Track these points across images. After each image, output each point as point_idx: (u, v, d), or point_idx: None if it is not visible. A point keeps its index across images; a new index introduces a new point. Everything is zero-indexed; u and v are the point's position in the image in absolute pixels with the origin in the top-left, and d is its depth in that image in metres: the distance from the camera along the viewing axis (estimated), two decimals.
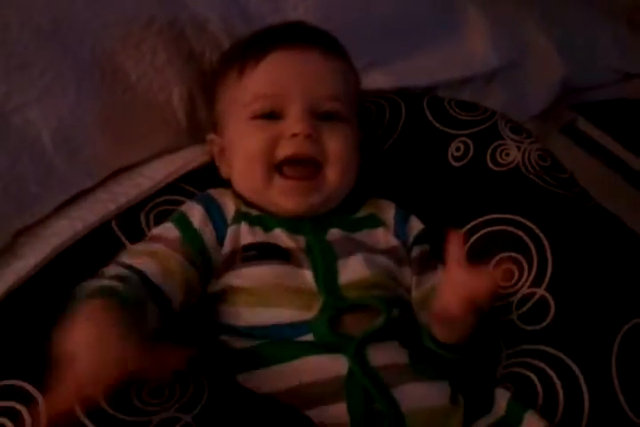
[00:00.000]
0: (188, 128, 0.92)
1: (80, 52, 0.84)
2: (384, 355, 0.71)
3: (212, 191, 0.84)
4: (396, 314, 0.74)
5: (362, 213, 0.84)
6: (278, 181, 0.79)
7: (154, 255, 0.72)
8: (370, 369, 0.68)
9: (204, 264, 0.75)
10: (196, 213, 0.78)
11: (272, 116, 0.80)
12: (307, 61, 0.82)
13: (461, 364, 0.75)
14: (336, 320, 0.71)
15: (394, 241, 0.82)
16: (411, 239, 0.83)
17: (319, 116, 0.81)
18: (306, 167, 0.79)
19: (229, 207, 0.80)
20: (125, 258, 0.72)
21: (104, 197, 0.83)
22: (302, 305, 0.72)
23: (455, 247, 0.69)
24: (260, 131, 0.80)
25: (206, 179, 0.88)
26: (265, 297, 0.73)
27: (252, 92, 0.81)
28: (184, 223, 0.77)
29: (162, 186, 0.85)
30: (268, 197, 0.80)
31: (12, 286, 0.72)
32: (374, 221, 0.83)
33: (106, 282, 0.66)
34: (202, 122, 0.92)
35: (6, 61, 0.79)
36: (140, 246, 0.76)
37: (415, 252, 0.82)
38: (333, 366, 0.68)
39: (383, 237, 0.82)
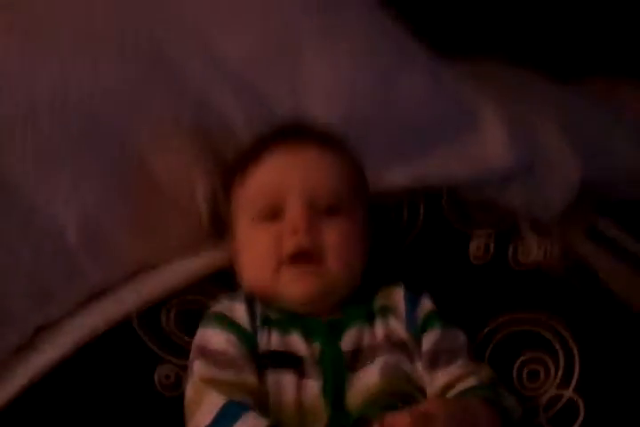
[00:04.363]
0: (211, 227, 0.93)
1: (108, 151, 0.87)
2: None
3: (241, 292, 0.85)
4: None
5: (375, 305, 0.84)
6: (285, 271, 0.80)
7: (241, 388, 0.72)
8: None
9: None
10: (238, 312, 0.79)
11: (274, 214, 0.82)
12: (304, 157, 0.84)
13: None
14: None
15: (404, 334, 0.80)
16: (420, 324, 0.81)
17: (320, 211, 0.82)
18: (308, 262, 0.81)
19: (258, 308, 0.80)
20: (217, 392, 0.71)
21: (126, 295, 0.83)
22: (304, 424, 0.72)
23: None
24: (264, 232, 0.82)
25: (228, 280, 0.88)
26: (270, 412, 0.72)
27: (252, 190, 0.84)
28: (234, 327, 0.77)
29: (186, 285, 0.85)
30: (277, 289, 0.81)
31: (31, 381, 0.72)
32: (386, 312, 0.82)
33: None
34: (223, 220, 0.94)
35: (37, 158, 0.82)
36: (212, 374, 0.73)
37: (426, 344, 0.79)
38: None
39: (394, 328, 0.81)
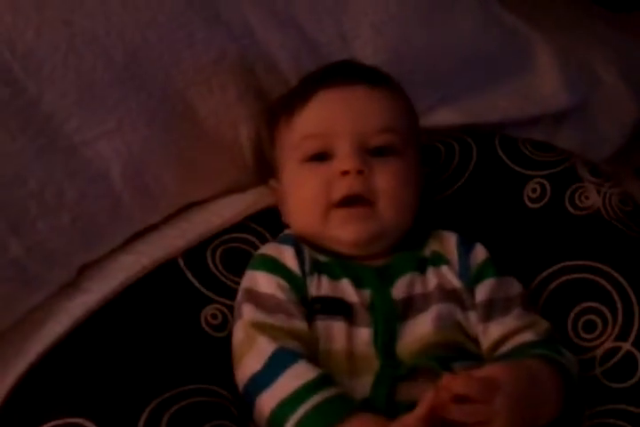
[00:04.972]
0: (255, 166, 0.91)
1: (151, 87, 0.84)
2: None
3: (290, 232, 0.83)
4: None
5: (427, 251, 0.82)
6: (335, 214, 0.78)
7: (291, 334, 0.70)
8: None
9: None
10: (287, 256, 0.77)
11: (322, 157, 0.80)
12: (352, 97, 0.81)
13: None
14: (395, 388, 0.69)
15: (457, 282, 0.78)
16: (474, 273, 0.79)
17: (370, 152, 0.79)
18: (359, 205, 0.78)
19: (307, 252, 0.79)
20: (268, 338, 0.69)
21: (172, 233, 0.82)
22: (354, 372, 0.70)
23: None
24: (312, 174, 0.79)
25: (274, 219, 0.86)
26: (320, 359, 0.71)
27: (300, 133, 0.81)
28: (284, 271, 0.76)
29: (232, 223, 0.83)
30: (327, 232, 0.79)
31: (77, 321, 0.71)
32: (438, 259, 0.80)
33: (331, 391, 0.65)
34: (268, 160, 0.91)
35: (79, 93, 0.79)
36: (262, 318, 0.72)
37: (479, 294, 0.77)
38: None
39: (447, 277, 0.79)
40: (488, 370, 0.64)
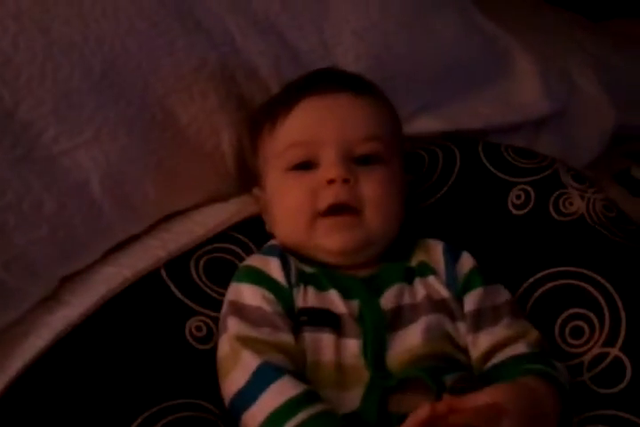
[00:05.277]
0: (237, 174, 0.90)
1: (131, 95, 0.82)
2: None
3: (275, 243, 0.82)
4: (450, 384, 0.69)
5: (413, 261, 0.81)
6: (321, 223, 0.78)
7: (276, 347, 0.69)
8: None
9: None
10: (273, 267, 0.76)
11: (307, 165, 0.79)
12: (337, 106, 0.81)
13: None
14: (385, 399, 0.68)
15: (445, 292, 0.77)
16: (461, 283, 0.78)
17: (356, 161, 0.79)
18: (346, 213, 0.78)
19: (293, 263, 0.78)
20: (253, 352, 0.68)
21: (154, 244, 0.80)
22: (344, 384, 0.69)
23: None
24: (297, 183, 0.79)
25: (258, 228, 0.85)
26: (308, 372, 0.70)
27: (284, 141, 0.81)
28: (270, 283, 0.74)
29: (215, 233, 0.82)
30: (312, 242, 0.78)
31: (58, 335, 0.69)
32: (425, 269, 0.80)
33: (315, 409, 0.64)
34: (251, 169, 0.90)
35: (56, 103, 0.77)
36: (247, 331, 0.71)
37: (468, 305, 0.77)
38: None
39: (434, 287, 0.78)
40: (490, 395, 0.63)
